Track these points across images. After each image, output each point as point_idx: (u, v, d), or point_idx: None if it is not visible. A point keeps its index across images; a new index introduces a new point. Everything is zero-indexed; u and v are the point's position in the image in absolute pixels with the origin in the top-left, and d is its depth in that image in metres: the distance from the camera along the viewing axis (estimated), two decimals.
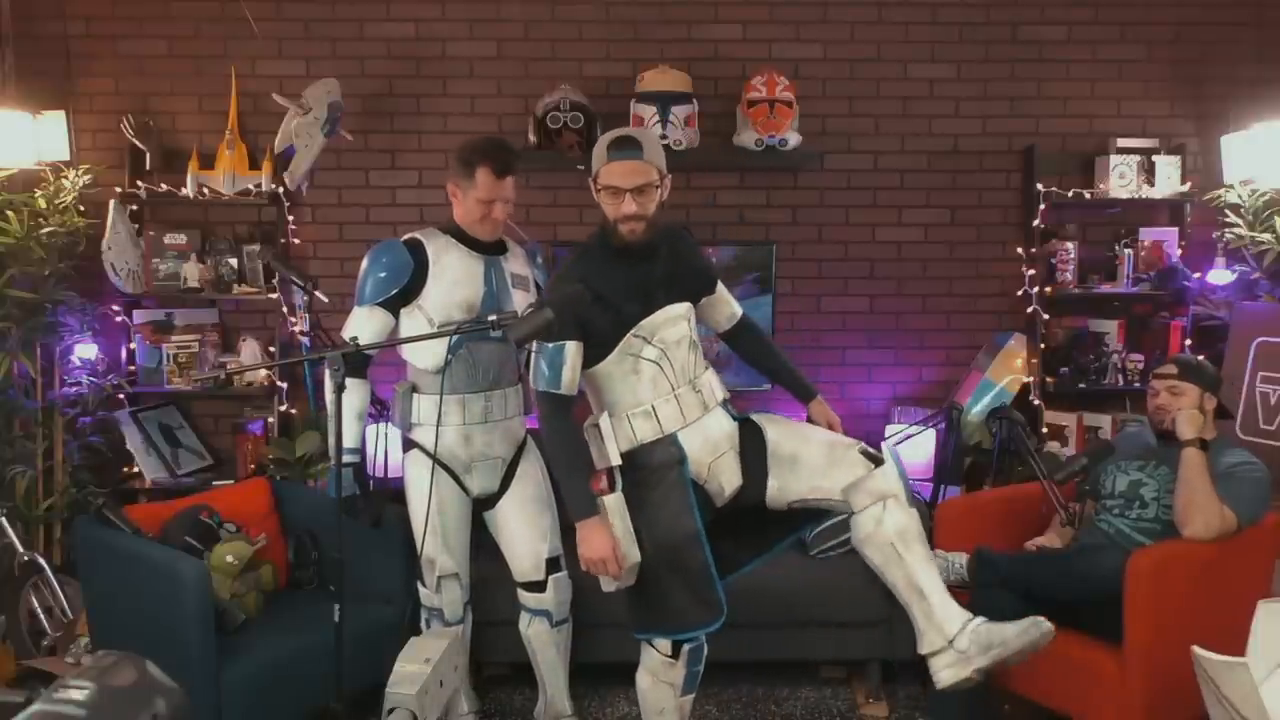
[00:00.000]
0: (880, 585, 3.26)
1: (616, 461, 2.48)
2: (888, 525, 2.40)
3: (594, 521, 2.44)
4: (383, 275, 2.80)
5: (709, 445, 2.57)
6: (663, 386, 2.55)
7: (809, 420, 2.80)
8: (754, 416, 2.64)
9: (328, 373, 2.78)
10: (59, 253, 3.78)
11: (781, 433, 2.59)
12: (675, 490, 2.49)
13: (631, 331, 2.51)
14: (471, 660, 3.13)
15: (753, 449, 2.59)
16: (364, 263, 2.84)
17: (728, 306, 2.83)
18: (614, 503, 2.45)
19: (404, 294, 2.81)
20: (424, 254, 2.82)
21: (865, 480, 2.42)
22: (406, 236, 2.87)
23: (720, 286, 2.80)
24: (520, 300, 2.91)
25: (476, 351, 2.85)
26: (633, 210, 2.44)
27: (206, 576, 2.76)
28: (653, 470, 2.51)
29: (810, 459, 2.51)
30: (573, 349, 2.45)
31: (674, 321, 2.57)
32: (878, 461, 2.45)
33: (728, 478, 2.58)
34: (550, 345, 2.43)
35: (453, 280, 2.83)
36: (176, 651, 2.62)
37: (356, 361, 2.72)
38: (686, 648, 2.53)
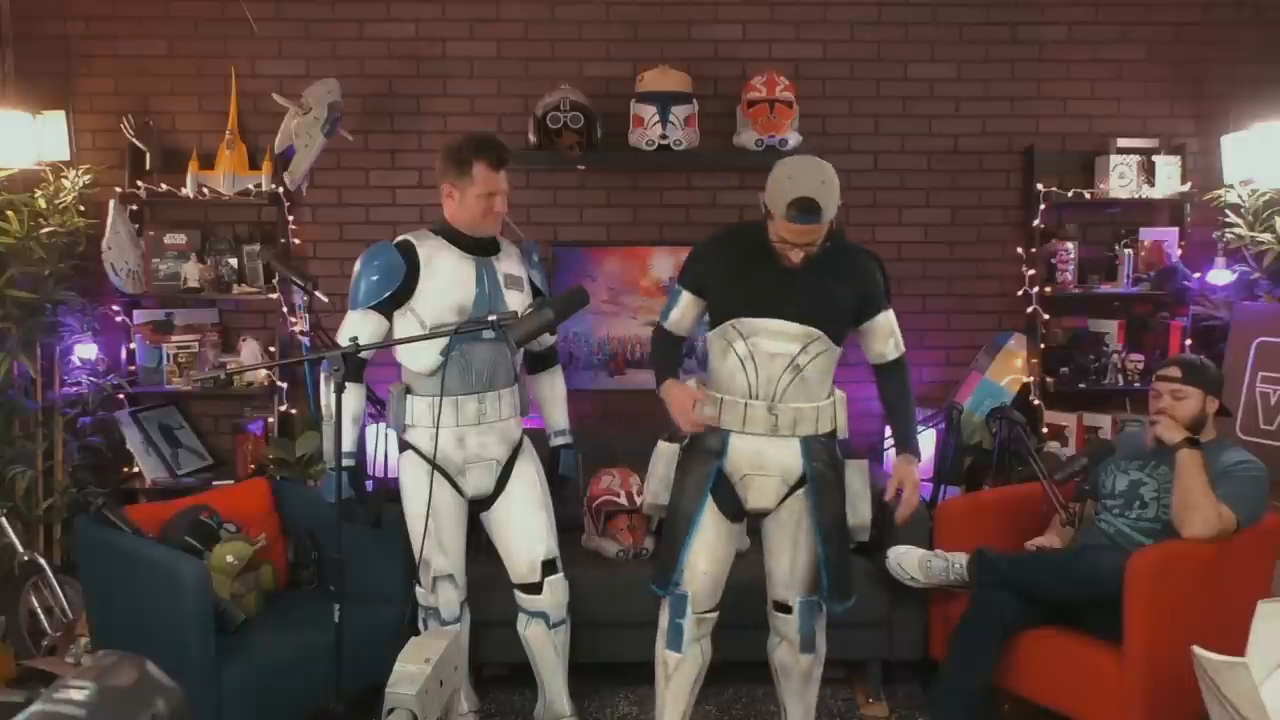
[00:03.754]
0: (881, 586, 3.30)
1: None
2: (779, 655, 2.83)
3: (671, 382, 2.67)
4: (375, 279, 2.79)
5: (756, 461, 2.67)
6: (738, 386, 2.65)
7: (890, 471, 2.90)
8: (810, 501, 2.67)
9: (323, 375, 2.79)
10: (59, 253, 3.78)
11: (783, 526, 2.72)
12: (699, 474, 2.69)
13: (730, 320, 2.62)
14: (471, 660, 3.13)
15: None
16: (356, 266, 2.84)
17: (879, 344, 2.77)
18: (667, 450, 2.80)
19: (396, 297, 2.81)
20: (415, 256, 2.82)
21: (776, 617, 2.79)
22: (398, 239, 2.87)
23: (880, 322, 2.73)
24: (514, 300, 2.90)
25: (470, 353, 2.84)
26: (799, 259, 2.54)
27: (206, 576, 2.76)
28: (696, 450, 2.72)
29: (777, 569, 2.76)
30: (686, 298, 2.74)
31: (779, 337, 2.60)
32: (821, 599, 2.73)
33: (756, 496, 2.70)
34: (677, 285, 2.76)
35: (444, 283, 2.82)
36: (176, 651, 2.61)
37: (352, 365, 2.72)
38: (663, 595, 2.75)
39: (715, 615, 2.78)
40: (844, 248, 2.68)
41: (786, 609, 2.76)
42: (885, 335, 2.75)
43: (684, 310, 2.76)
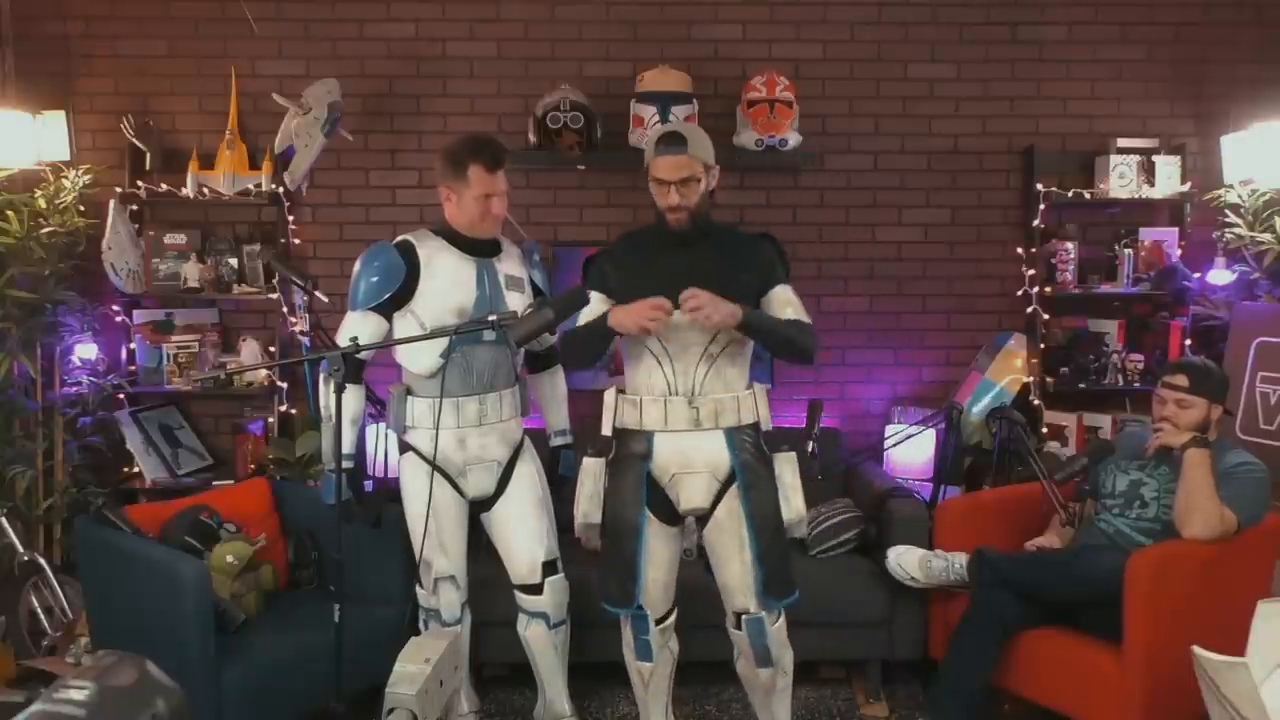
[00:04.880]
0: (881, 586, 3.30)
1: (606, 432, 2.70)
2: (739, 668, 2.80)
3: (613, 312, 2.57)
4: (375, 279, 2.79)
5: (681, 458, 2.64)
6: (657, 385, 2.63)
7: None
8: (741, 495, 2.62)
9: (322, 376, 2.79)
10: (59, 253, 3.78)
11: (725, 529, 2.64)
12: (630, 480, 2.66)
13: None
14: (471, 660, 3.12)
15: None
16: (356, 266, 2.84)
17: (777, 313, 2.70)
18: (593, 465, 2.70)
19: (395, 298, 2.80)
20: (415, 257, 2.81)
21: (734, 631, 2.70)
22: (398, 239, 2.86)
23: (776, 294, 2.70)
24: (515, 301, 2.89)
25: (471, 354, 2.84)
26: (675, 201, 2.59)
27: (206, 576, 2.76)
28: (622, 458, 2.69)
29: (729, 578, 2.67)
30: (595, 299, 2.68)
31: (690, 328, 2.58)
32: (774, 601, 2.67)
33: (688, 495, 2.66)
34: (582, 290, 2.68)
35: (445, 284, 2.82)
36: (176, 651, 2.62)
37: (351, 367, 2.72)
38: (622, 614, 2.75)
39: (674, 616, 2.79)
40: (741, 237, 2.78)
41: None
42: (782, 305, 2.69)
43: (593, 311, 2.67)
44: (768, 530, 2.64)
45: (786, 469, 2.68)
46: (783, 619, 2.72)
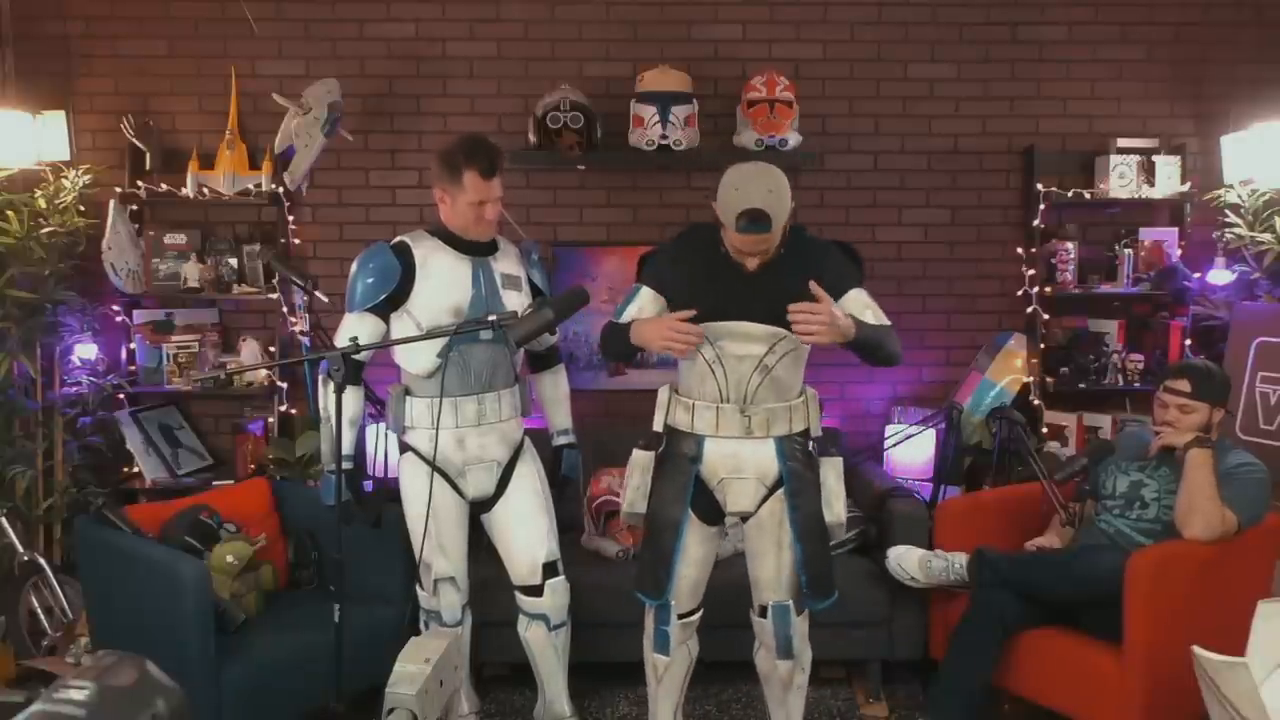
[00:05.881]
0: (881, 586, 3.30)
1: (658, 428, 2.72)
2: (758, 661, 2.81)
3: (638, 321, 2.59)
4: (370, 281, 2.79)
5: (731, 463, 2.65)
6: (709, 391, 2.63)
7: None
8: (787, 500, 2.63)
9: (321, 377, 2.79)
10: (59, 253, 3.78)
11: (765, 529, 2.67)
12: (678, 480, 2.67)
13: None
14: (471, 660, 3.12)
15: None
16: (352, 268, 2.84)
17: (859, 317, 2.58)
18: (642, 459, 2.69)
19: (392, 299, 2.80)
20: (411, 258, 2.81)
21: (758, 619, 2.75)
22: (394, 240, 2.86)
23: (850, 297, 2.60)
24: (512, 300, 2.89)
25: (468, 354, 2.83)
26: (756, 265, 2.55)
27: (206, 576, 2.76)
28: (671, 456, 2.69)
29: (762, 572, 2.71)
30: (646, 294, 2.68)
31: (745, 338, 2.57)
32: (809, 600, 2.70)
33: (734, 499, 2.68)
34: (635, 285, 2.70)
35: (440, 284, 2.81)
36: (176, 651, 2.62)
37: (350, 368, 2.71)
38: (651, 604, 2.75)
39: (699, 615, 2.79)
40: (804, 242, 2.67)
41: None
42: (861, 309, 2.60)
43: (641, 306, 2.67)
44: (811, 535, 2.65)
45: (831, 474, 2.68)
46: (806, 614, 2.74)
